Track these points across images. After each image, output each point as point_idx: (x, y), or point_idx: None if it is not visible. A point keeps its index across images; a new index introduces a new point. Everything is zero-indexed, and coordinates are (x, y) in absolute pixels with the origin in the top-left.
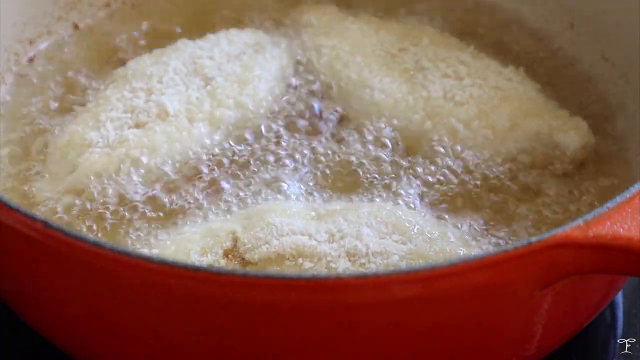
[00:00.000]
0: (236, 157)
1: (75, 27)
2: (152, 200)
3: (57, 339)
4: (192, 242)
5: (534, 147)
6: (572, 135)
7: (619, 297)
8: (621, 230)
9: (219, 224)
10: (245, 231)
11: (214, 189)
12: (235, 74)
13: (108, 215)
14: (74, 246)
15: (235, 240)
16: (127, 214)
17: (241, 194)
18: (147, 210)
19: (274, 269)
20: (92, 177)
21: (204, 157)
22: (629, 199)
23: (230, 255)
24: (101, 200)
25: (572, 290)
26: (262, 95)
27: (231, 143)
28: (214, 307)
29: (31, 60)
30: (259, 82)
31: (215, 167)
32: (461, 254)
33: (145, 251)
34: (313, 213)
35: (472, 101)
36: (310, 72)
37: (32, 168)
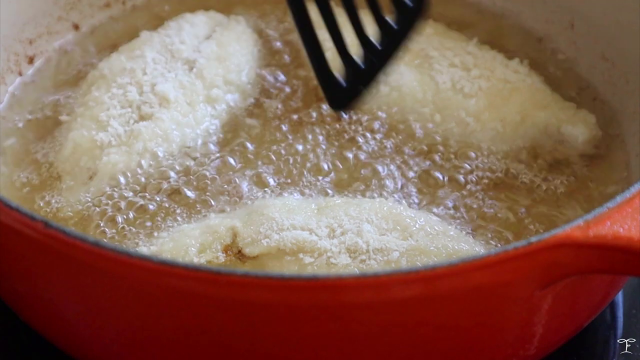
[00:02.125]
0: (237, 150)
1: (75, 27)
2: (172, 193)
3: (57, 339)
4: (191, 239)
5: (540, 142)
6: (581, 127)
7: (619, 297)
8: (621, 230)
9: (219, 220)
10: (245, 226)
11: (222, 176)
12: (213, 52)
13: (134, 213)
14: (74, 246)
15: (234, 235)
16: (147, 208)
17: (242, 189)
18: (169, 200)
19: (273, 264)
20: (116, 178)
21: (210, 141)
22: (629, 199)
23: (229, 251)
24: (125, 198)
25: (572, 290)
26: (248, 70)
27: (232, 134)
28: (213, 307)
29: (31, 60)
30: (241, 56)
31: (216, 163)
32: (463, 250)
33: (153, 248)
34: (314, 206)
35: (481, 93)
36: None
37: (44, 182)
